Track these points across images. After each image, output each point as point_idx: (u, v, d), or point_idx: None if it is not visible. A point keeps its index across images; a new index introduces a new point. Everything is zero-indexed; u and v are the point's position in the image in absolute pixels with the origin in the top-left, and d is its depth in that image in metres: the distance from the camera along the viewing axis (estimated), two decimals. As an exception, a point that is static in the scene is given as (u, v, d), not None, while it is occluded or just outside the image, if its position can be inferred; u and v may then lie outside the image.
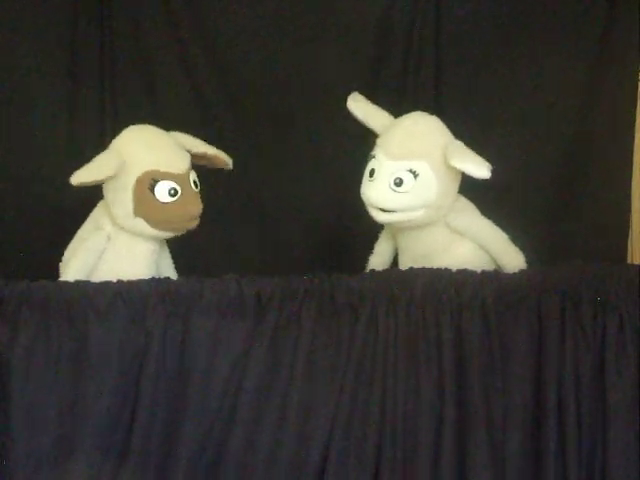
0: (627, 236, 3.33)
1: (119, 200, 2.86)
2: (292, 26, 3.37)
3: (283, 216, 3.44)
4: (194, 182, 2.90)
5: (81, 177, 2.81)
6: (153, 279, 2.75)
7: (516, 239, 2.94)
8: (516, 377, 2.66)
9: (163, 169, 2.84)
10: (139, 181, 2.83)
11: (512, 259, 2.92)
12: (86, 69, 3.36)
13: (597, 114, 3.32)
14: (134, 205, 2.84)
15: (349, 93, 2.99)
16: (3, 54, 3.33)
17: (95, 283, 2.70)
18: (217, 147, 3.03)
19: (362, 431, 2.65)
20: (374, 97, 3.01)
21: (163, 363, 2.67)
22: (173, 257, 3.07)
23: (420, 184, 2.86)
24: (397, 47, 3.36)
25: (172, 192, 2.84)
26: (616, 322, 2.64)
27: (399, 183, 2.85)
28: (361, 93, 3.00)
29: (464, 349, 2.66)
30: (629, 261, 3.31)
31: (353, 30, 3.36)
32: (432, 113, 2.97)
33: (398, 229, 2.99)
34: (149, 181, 2.83)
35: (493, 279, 2.72)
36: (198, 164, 2.96)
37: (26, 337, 2.64)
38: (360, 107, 2.99)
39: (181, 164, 2.88)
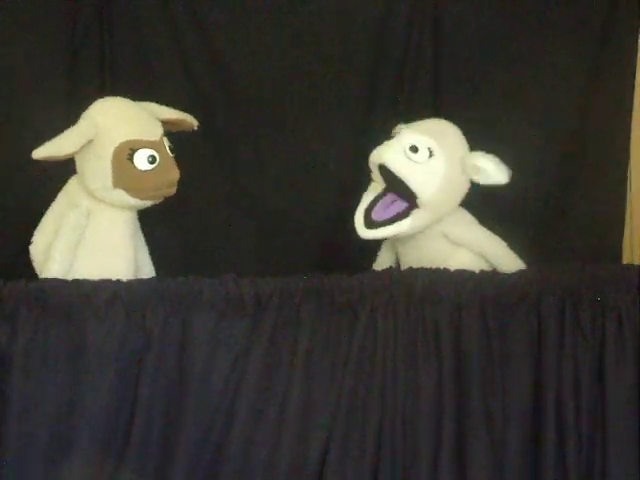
0: (623, 236, 3.33)
1: (97, 173, 2.85)
2: (291, 29, 3.37)
3: (282, 217, 3.44)
4: (169, 148, 2.90)
5: (46, 151, 2.80)
6: (153, 279, 2.76)
7: (513, 240, 2.94)
8: (515, 377, 2.67)
9: (140, 138, 2.85)
10: (117, 152, 2.83)
11: (512, 265, 2.92)
12: (86, 69, 3.37)
13: (595, 114, 3.32)
14: (113, 176, 2.83)
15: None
16: (3, 54, 3.33)
17: (94, 282, 2.70)
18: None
19: (361, 431, 2.66)
20: (371, 101, 3.01)
21: (162, 363, 2.67)
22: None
23: (430, 165, 2.86)
24: (395, 51, 3.36)
25: (151, 159, 2.84)
26: (615, 322, 2.65)
27: (415, 150, 2.85)
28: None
29: (463, 349, 2.66)
30: (627, 261, 3.31)
31: (352, 33, 3.35)
32: (430, 117, 2.98)
33: (397, 239, 2.98)
34: (127, 151, 2.83)
35: (492, 279, 2.72)
36: (168, 131, 2.95)
37: (25, 336, 2.64)
38: None
39: (156, 131, 2.89)
